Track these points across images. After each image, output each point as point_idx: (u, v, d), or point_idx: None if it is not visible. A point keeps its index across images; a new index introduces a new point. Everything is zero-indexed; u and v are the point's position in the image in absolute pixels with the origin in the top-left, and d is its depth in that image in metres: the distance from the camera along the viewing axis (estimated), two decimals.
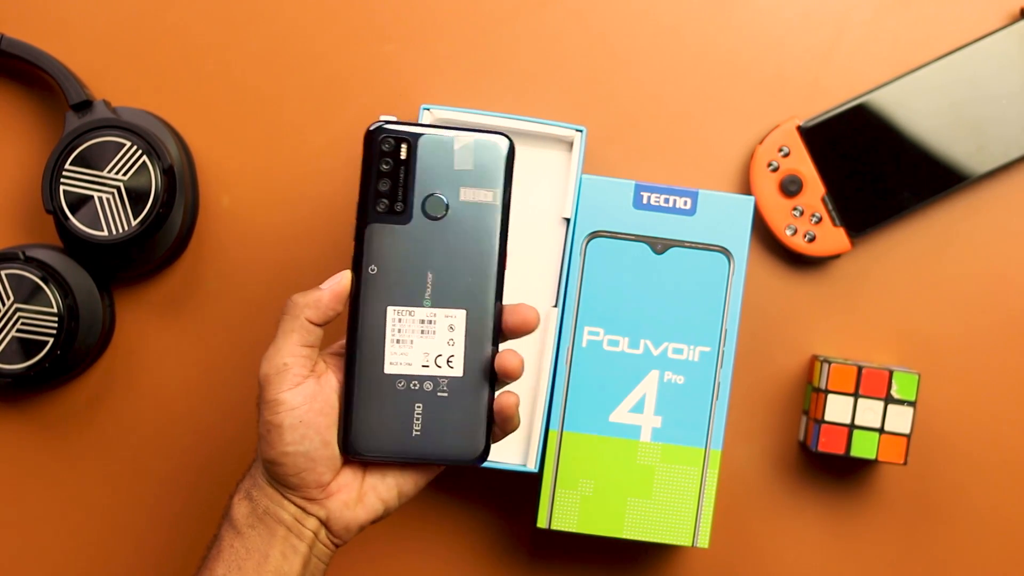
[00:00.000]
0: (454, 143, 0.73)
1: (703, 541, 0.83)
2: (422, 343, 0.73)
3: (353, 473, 0.74)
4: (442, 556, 0.91)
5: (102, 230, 0.84)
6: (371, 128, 0.72)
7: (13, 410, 0.91)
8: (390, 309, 0.73)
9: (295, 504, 0.73)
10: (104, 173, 0.84)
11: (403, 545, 0.91)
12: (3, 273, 0.85)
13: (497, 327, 0.73)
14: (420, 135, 0.73)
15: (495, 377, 0.73)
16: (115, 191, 0.84)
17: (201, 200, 0.90)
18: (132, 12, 0.91)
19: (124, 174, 0.84)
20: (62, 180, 0.84)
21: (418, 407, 0.73)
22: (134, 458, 0.91)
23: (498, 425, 0.74)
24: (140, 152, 0.84)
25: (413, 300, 0.73)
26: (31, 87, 0.91)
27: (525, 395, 0.84)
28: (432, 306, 0.73)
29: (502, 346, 0.74)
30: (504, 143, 0.73)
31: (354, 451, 0.73)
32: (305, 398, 0.72)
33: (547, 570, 0.91)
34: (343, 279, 0.73)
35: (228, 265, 0.91)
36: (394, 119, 0.73)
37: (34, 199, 0.91)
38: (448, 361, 0.73)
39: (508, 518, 0.91)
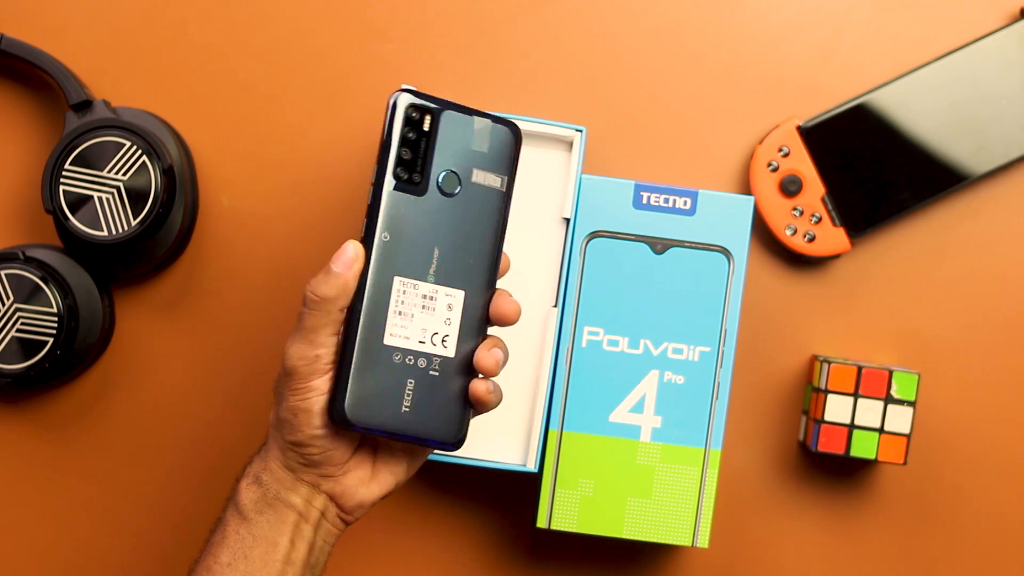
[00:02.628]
0: (473, 124, 0.73)
1: (703, 541, 0.83)
2: (422, 318, 0.73)
3: (367, 450, 0.74)
4: (442, 556, 0.91)
5: (102, 230, 0.84)
6: (400, 94, 0.72)
7: (13, 410, 0.91)
8: (396, 279, 0.72)
9: (307, 484, 0.73)
10: (104, 173, 0.84)
11: (403, 545, 0.91)
12: (3, 273, 0.85)
13: (486, 315, 0.74)
14: (443, 110, 0.73)
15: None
16: (115, 191, 0.84)
17: (201, 200, 0.90)
18: (132, 12, 0.91)
19: (124, 174, 0.84)
20: (62, 180, 0.84)
21: (410, 383, 0.72)
22: (134, 458, 0.91)
23: (475, 408, 0.74)
24: (140, 152, 0.84)
25: (419, 273, 0.73)
26: (31, 87, 0.91)
27: (525, 395, 0.84)
28: (435, 282, 0.73)
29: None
30: (516, 131, 0.74)
31: (345, 420, 0.71)
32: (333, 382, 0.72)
33: (547, 570, 0.91)
34: (356, 254, 0.71)
35: (228, 265, 0.91)
36: (415, 89, 0.73)
37: (34, 199, 0.91)
38: (443, 340, 0.73)
39: (508, 518, 0.91)
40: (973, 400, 0.90)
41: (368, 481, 0.74)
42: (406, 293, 0.72)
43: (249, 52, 0.91)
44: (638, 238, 0.83)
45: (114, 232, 0.84)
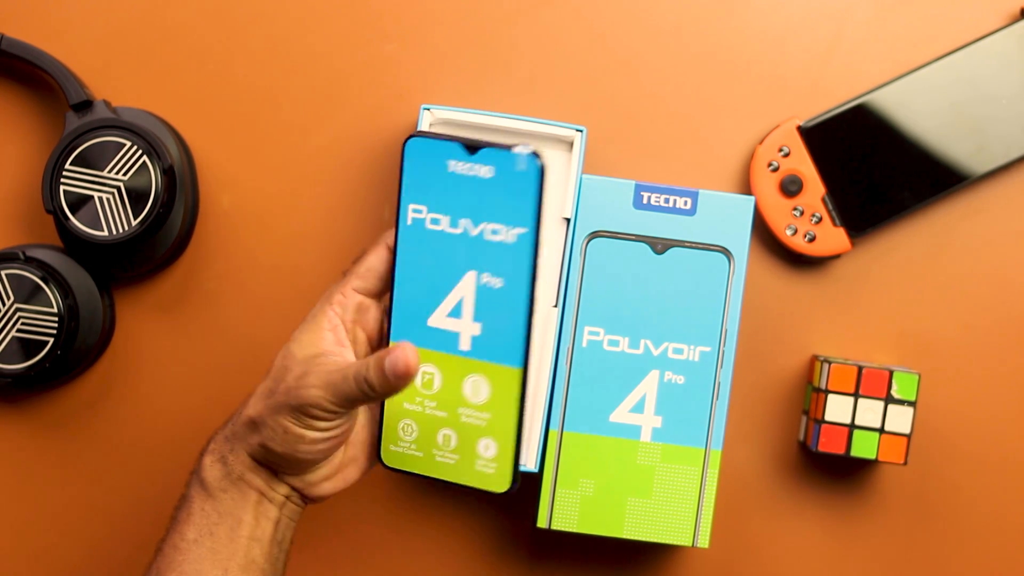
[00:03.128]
0: None
1: (703, 541, 0.83)
2: None
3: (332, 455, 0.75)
4: (442, 556, 0.91)
5: (102, 230, 0.84)
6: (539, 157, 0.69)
7: (13, 410, 0.91)
8: None
9: (269, 472, 0.74)
10: (104, 173, 0.84)
11: (403, 545, 0.91)
12: (3, 273, 0.85)
13: None
14: None
15: None
16: (115, 191, 0.84)
17: (201, 200, 0.90)
18: (132, 12, 0.91)
19: (124, 174, 0.84)
20: (62, 180, 0.84)
21: None
22: (134, 458, 0.91)
23: None
24: (140, 152, 0.84)
25: None
26: (31, 87, 0.91)
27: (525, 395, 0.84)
28: None
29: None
30: None
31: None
32: (340, 422, 0.72)
33: (547, 570, 0.91)
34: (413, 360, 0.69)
35: (228, 265, 0.91)
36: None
37: (34, 199, 0.91)
38: None
39: (508, 518, 0.91)
40: (973, 400, 0.90)
41: (332, 477, 0.75)
42: None
43: (249, 52, 0.91)
44: (638, 238, 0.83)
45: (114, 232, 0.84)
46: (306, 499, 0.75)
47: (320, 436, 0.71)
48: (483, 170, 0.69)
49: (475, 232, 0.70)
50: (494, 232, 0.69)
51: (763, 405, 0.90)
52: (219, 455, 0.74)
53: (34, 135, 0.91)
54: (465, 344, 0.71)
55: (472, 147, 0.69)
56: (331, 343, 0.73)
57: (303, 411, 0.70)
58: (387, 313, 0.73)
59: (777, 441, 0.91)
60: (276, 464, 0.73)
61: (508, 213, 0.68)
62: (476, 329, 0.70)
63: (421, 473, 0.74)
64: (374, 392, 0.68)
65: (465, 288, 0.70)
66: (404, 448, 0.74)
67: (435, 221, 0.70)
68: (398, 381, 0.67)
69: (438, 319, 0.71)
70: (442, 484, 0.91)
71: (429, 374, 0.72)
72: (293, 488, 0.74)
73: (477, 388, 0.71)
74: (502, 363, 0.70)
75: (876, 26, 0.90)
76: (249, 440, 0.73)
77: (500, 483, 0.72)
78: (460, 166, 0.69)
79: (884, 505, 0.90)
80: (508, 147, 0.68)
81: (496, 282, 0.69)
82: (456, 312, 0.71)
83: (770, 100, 0.90)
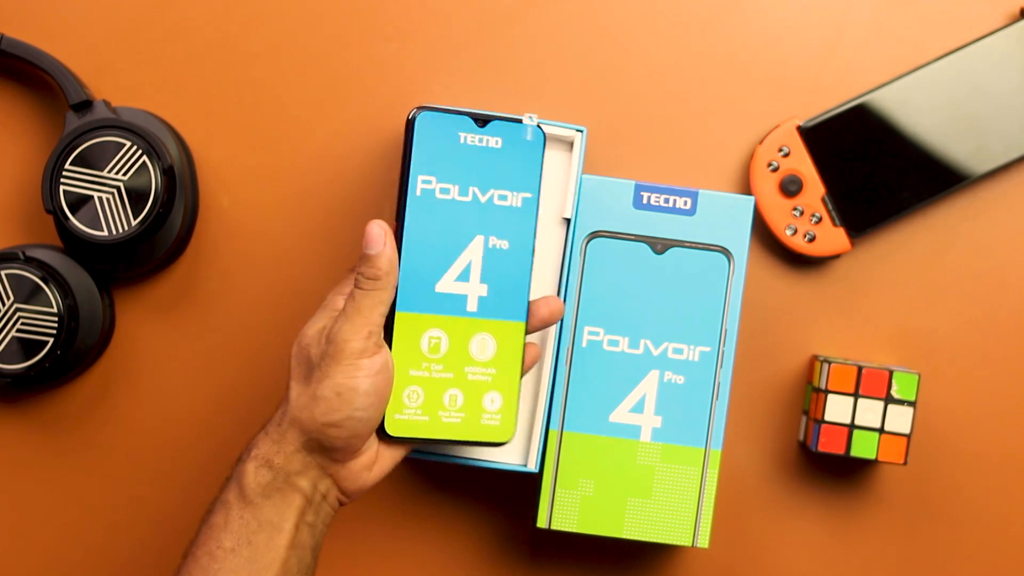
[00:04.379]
0: None
1: (703, 541, 0.83)
2: None
3: (373, 437, 0.76)
4: (442, 556, 0.91)
5: (102, 230, 0.84)
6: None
7: (13, 410, 0.91)
8: None
9: (317, 466, 0.74)
10: (104, 173, 0.84)
11: (403, 545, 0.91)
12: (3, 273, 0.85)
13: None
14: None
15: None
16: (115, 191, 0.84)
17: (201, 200, 0.90)
18: (132, 12, 0.91)
19: (124, 174, 0.84)
20: (62, 180, 0.84)
21: None
22: (134, 458, 0.91)
23: None
24: (140, 152, 0.84)
25: None
26: (31, 87, 0.91)
27: (526, 395, 0.84)
28: None
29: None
30: None
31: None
32: (381, 367, 0.73)
33: (547, 570, 0.91)
34: (383, 228, 0.75)
35: (228, 265, 0.91)
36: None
37: (34, 199, 0.91)
38: None
39: (508, 518, 0.91)
40: (973, 400, 0.90)
41: (371, 466, 0.76)
42: None
43: (249, 52, 0.91)
44: (638, 238, 0.83)
45: (114, 232, 0.84)
46: (341, 499, 0.76)
47: (368, 376, 0.72)
48: (492, 141, 0.76)
49: (484, 199, 0.76)
50: (501, 198, 0.76)
51: (763, 405, 0.90)
52: (263, 460, 0.74)
53: (34, 135, 0.91)
54: (472, 305, 0.76)
55: (481, 120, 0.76)
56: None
57: (342, 353, 0.72)
58: None
59: (777, 441, 0.91)
60: (331, 444, 0.73)
61: (515, 179, 0.76)
62: (483, 290, 0.76)
63: (426, 437, 0.76)
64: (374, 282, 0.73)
65: (473, 252, 0.76)
66: (410, 415, 0.76)
67: (444, 191, 0.75)
68: (377, 259, 0.73)
69: (446, 284, 0.76)
70: (439, 481, 0.91)
71: (436, 338, 0.76)
72: (334, 482, 0.75)
73: (484, 345, 0.76)
74: (508, 319, 0.76)
75: (876, 26, 0.90)
76: (302, 429, 0.73)
77: (505, 433, 0.77)
78: (471, 137, 0.76)
79: (884, 505, 0.90)
80: (516, 119, 0.76)
81: (503, 244, 0.76)
82: (464, 276, 0.76)
83: (770, 100, 0.90)
